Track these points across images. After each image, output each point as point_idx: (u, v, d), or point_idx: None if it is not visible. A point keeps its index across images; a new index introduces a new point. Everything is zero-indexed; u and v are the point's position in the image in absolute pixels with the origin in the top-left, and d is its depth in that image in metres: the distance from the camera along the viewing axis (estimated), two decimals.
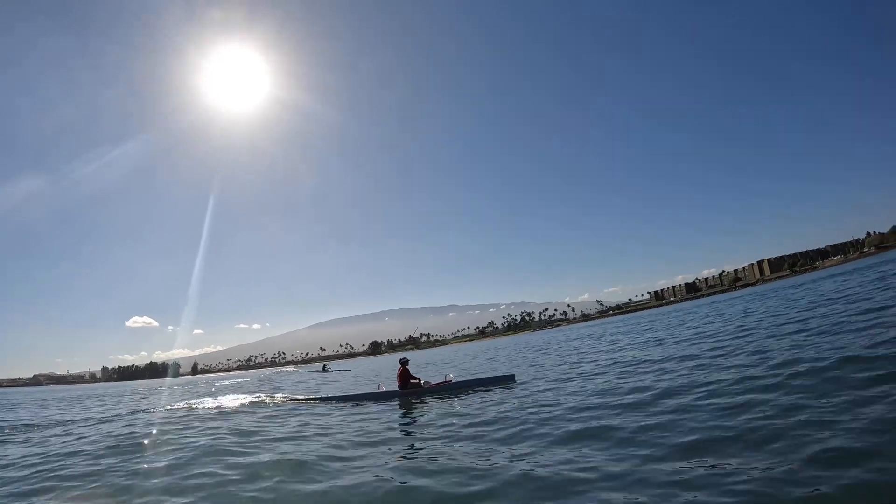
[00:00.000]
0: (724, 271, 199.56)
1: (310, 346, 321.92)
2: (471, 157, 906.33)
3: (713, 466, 3.94)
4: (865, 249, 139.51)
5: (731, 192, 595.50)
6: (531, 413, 7.13)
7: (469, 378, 13.09)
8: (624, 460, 4.41)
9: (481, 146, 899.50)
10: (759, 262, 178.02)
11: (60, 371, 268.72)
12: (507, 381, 11.63)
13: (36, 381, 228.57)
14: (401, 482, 4.49)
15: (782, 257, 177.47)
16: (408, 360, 12.52)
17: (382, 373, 25.98)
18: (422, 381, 11.95)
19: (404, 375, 11.87)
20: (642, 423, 5.47)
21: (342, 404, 11.39)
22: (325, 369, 39.69)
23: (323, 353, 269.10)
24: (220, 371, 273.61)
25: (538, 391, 9.45)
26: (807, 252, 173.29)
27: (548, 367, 14.16)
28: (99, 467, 5.87)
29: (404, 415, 9.13)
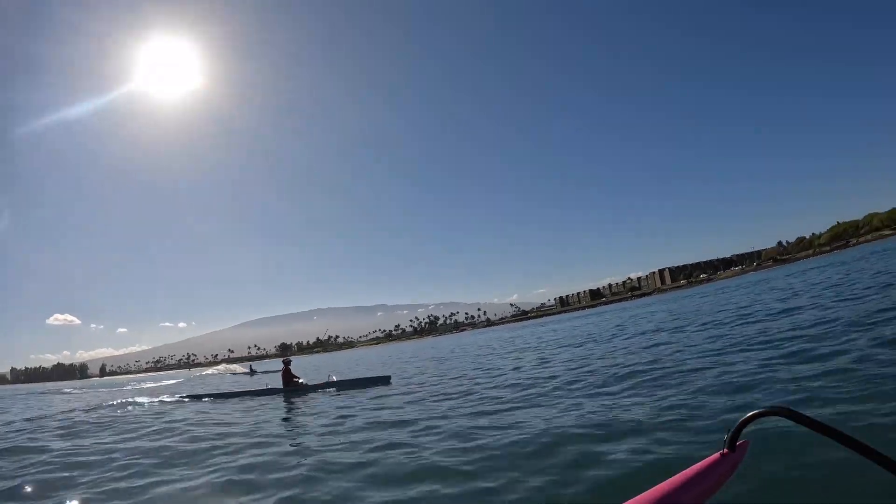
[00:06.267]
0: (628, 278, 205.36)
1: (233, 346, 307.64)
2: (407, 153, 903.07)
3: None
4: (766, 262, 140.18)
5: (672, 193, 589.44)
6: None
7: (348, 378, 14.30)
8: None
9: (420, 140, 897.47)
10: (661, 271, 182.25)
11: None
12: (384, 381, 12.50)
13: None
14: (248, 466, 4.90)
15: (684, 266, 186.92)
16: (290, 361, 14.37)
17: (305, 374, 27.10)
18: (301, 381, 13.63)
19: (287, 374, 13.68)
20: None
21: (229, 400, 12.99)
22: (251, 371, 37.37)
23: (232, 356, 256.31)
24: (128, 373, 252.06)
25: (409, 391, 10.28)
26: (710, 262, 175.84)
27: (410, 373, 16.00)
28: None
29: (284, 408, 10.32)
